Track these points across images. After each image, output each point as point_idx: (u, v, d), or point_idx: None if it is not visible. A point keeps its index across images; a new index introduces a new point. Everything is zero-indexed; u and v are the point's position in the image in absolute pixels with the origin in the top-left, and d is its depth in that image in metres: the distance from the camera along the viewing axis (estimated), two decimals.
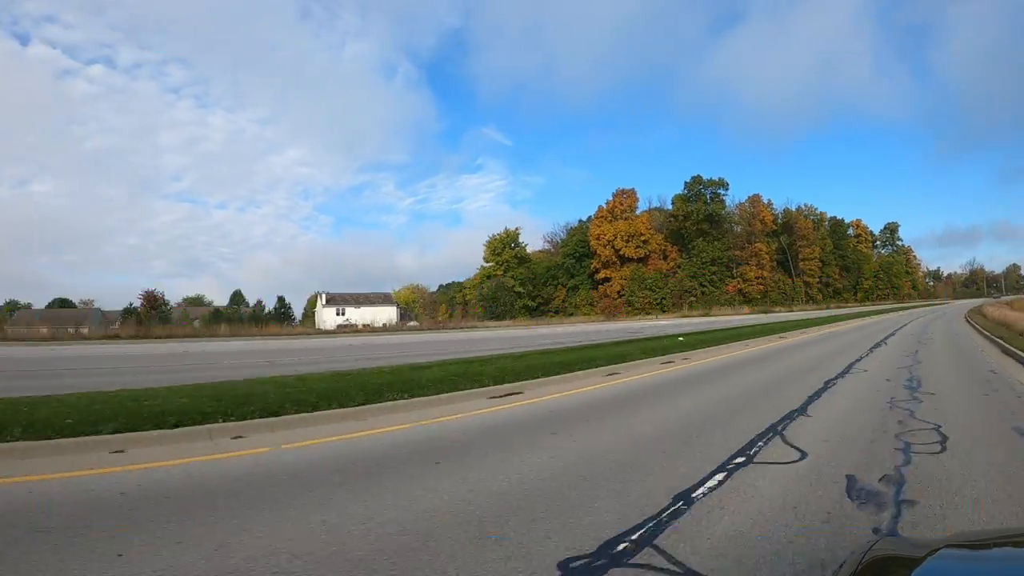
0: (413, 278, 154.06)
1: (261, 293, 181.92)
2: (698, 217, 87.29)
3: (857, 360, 15.12)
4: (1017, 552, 1.56)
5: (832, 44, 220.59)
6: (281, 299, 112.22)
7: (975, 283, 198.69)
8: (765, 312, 75.03)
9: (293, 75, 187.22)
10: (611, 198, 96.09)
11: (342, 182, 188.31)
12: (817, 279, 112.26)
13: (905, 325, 34.69)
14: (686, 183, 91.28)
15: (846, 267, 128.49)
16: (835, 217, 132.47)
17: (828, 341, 23.52)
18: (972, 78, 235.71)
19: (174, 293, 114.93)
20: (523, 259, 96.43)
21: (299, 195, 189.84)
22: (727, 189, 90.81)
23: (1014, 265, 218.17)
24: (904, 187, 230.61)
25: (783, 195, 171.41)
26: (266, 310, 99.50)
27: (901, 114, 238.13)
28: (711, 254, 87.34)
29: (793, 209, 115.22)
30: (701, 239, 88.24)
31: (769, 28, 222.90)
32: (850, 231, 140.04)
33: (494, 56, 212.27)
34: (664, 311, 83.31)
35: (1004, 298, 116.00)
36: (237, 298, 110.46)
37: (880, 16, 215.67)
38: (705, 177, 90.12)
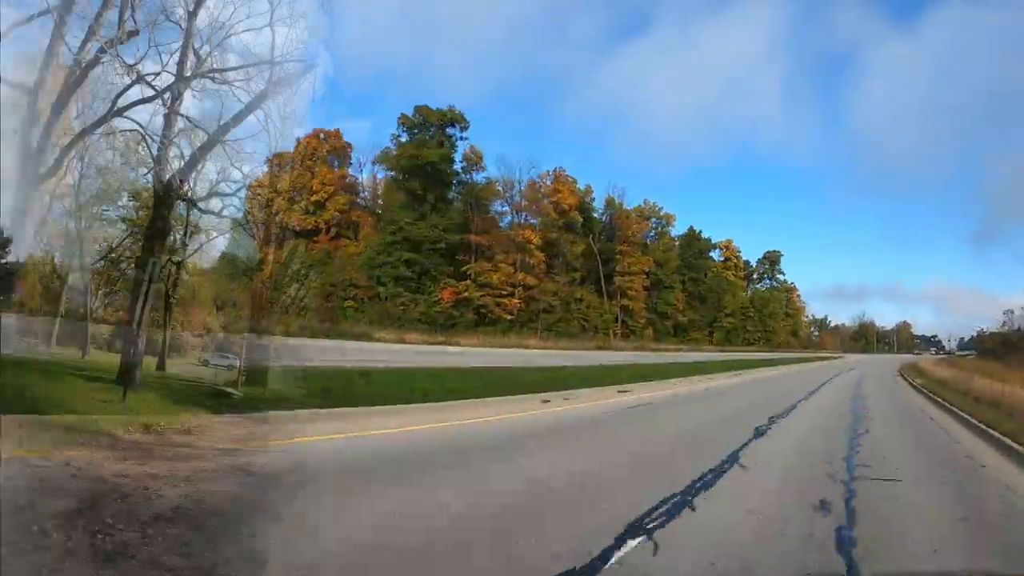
0: None
1: None
2: (404, 164, 49.65)
3: None
4: None
5: (740, 63, 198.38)
6: None
7: (864, 337, 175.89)
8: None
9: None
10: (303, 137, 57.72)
11: None
12: (644, 304, 77.68)
13: None
14: (402, 117, 53.71)
15: (700, 296, 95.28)
16: (692, 228, 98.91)
17: None
18: (883, 127, 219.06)
19: None
20: None
21: None
22: (465, 129, 53.76)
23: (905, 323, 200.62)
24: (799, 235, 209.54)
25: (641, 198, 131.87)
26: None
27: (807, 152, 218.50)
28: (417, 232, 49.42)
29: (626, 204, 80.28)
30: (397, 205, 50.18)
31: (673, 42, 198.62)
32: (715, 253, 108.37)
33: (387, 64, 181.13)
34: (303, 321, 44.63)
35: (929, 355, 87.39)
36: None
37: (796, 38, 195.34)
38: (434, 107, 53.11)
